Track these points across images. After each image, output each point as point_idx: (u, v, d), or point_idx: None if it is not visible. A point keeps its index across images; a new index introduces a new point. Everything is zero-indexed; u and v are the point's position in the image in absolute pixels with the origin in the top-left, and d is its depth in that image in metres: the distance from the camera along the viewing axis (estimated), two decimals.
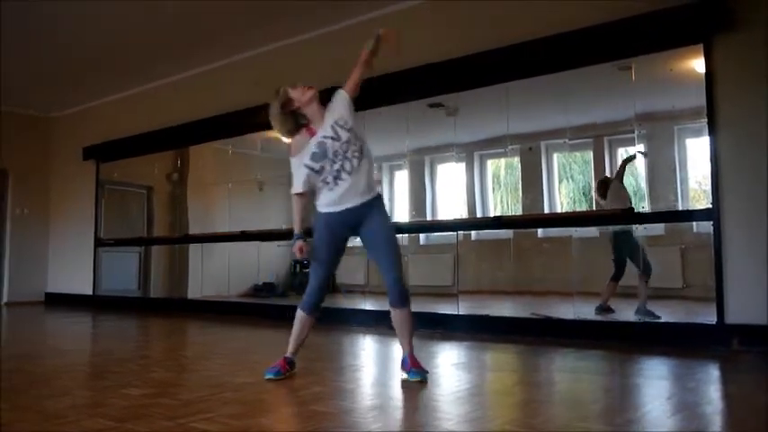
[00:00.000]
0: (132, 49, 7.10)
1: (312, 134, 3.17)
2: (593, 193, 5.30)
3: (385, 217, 3.22)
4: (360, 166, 3.10)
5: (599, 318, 4.84)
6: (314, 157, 3.11)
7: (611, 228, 5.00)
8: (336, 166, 3.09)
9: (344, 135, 3.11)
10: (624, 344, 4.36)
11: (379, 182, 3.24)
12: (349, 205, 3.12)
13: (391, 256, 3.11)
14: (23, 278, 9.56)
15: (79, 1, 5.77)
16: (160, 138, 8.05)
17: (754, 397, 2.93)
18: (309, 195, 3.25)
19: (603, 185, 5.16)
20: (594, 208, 5.38)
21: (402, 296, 3.11)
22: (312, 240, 3.21)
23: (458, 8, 5.48)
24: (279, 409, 2.75)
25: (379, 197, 3.19)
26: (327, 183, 3.12)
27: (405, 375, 3.14)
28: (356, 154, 3.11)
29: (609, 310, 4.84)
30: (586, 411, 2.61)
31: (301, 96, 3.21)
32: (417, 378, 3.05)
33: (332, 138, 3.11)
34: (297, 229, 3.19)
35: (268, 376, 3.14)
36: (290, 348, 3.27)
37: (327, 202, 3.16)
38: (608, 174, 5.30)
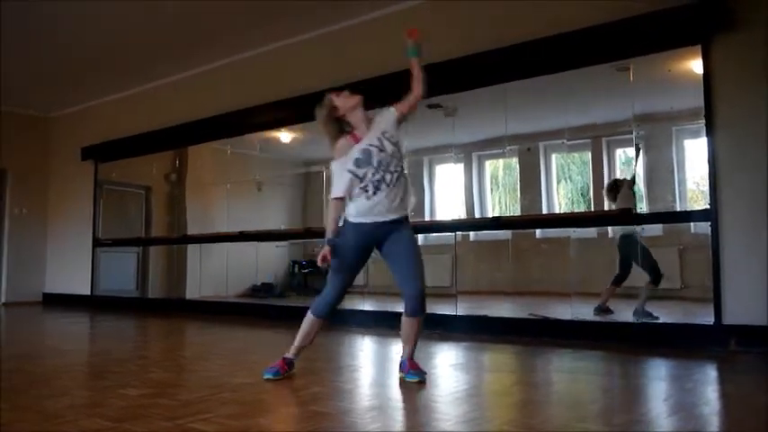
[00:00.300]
0: (131, 50, 7.10)
1: (356, 140, 3.14)
2: (605, 195, 5.25)
3: (412, 233, 3.21)
4: (398, 182, 3.11)
5: (597, 318, 4.85)
6: (358, 162, 3.10)
7: (619, 231, 4.99)
8: (378, 176, 3.08)
9: (390, 148, 3.11)
10: (622, 344, 4.36)
11: (413, 203, 3.23)
12: (379, 219, 3.11)
13: (417, 268, 3.11)
14: (21, 278, 9.55)
15: (79, 1, 5.76)
16: (159, 138, 8.05)
17: (752, 397, 2.93)
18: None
19: (614, 188, 5.10)
20: (593, 209, 5.39)
21: (423, 307, 3.11)
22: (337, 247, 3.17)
23: (457, 8, 5.48)
24: (277, 409, 2.75)
25: (407, 218, 3.19)
26: (366, 191, 3.10)
27: (401, 375, 3.14)
28: (398, 169, 3.11)
29: (607, 311, 4.84)
30: (584, 412, 2.62)
31: (345, 103, 3.18)
32: (415, 379, 3.06)
33: (378, 147, 3.09)
34: (329, 234, 3.15)
35: (266, 376, 3.15)
36: (292, 349, 3.26)
37: (359, 212, 3.13)
38: (606, 175, 5.31)
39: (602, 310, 4.87)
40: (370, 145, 3.10)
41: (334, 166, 3.17)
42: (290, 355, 3.25)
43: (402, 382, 3.11)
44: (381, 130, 3.14)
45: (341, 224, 3.21)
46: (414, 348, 3.18)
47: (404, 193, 3.15)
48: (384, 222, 3.12)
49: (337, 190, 3.14)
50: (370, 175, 3.08)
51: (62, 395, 2.84)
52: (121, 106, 8.84)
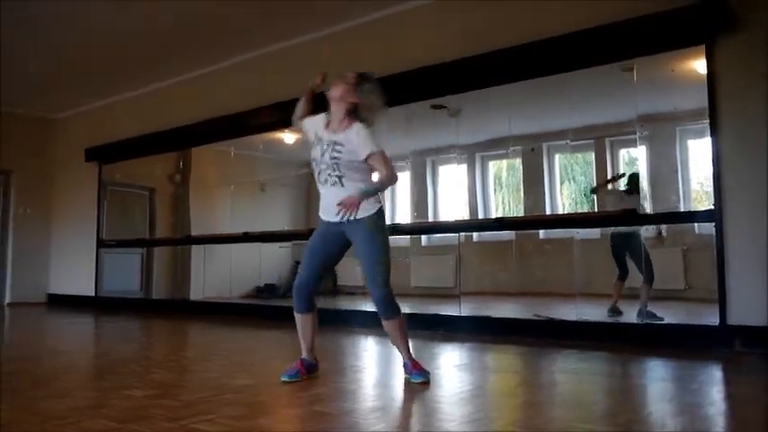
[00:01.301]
0: (135, 51, 7.11)
1: (326, 125, 3.17)
2: (611, 186, 5.22)
3: (368, 235, 3.07)
4: (340, 188, 3.07)
5: (601, 319, 4.84)
6: (314, 141, 3.18)
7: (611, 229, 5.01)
8: (319, 169, 3.13)
9: (327, 157, 3.07)
10: (626, 345, 4.35)
11: (379, 201, 3.16)
12: (328, 217, 3.15)
13: (372, 270, 3.05)
14: (26, 279, 9.57)
15: (82, 2, 5.78)
16: (162, 139, 8.06)
17: (757, 398, 2.92)
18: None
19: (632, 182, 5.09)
20: (597, 209, 5.38)
21: (389, 308, 3.08)
22: None
23: (460, 9, 5.48)
24: (280, 410, 2.74)
25: (361, 219, 3.07)
26: (319, 175, 3.16)
27: (407, 377, 3.14)
28: (336, 179, 3.08)
29: (617, 312, 4.82)
30: (589, 413, 2.61)
31: (334, 92, 3.15)
32: (420, 379, 3.05)
33: (325, 148, 3.10)
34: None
35: (284, 378, 3.11)
36: (304, 351, 3.24)
37: (321, 204, 3.20)
38: (609, 175, 5.30)
39: (614, 310, 4.85)
40: (320, 138, 3.13)
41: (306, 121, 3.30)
42: (304, 356, 3.23)
43: (407, 383, 3.10)
44: (339, 139, 3.08)
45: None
46: (407, 348, 3.16)
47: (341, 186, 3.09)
48: (332, 223, 3.13)
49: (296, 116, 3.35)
50: (319, 169, 3.13)
51: (65, 396, 2.84)
52: (125, 108, 8.85)
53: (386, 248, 3.10)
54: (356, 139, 3.04)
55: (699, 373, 3.51)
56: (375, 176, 3.12)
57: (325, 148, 3.09)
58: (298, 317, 3.24)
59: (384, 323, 3.14)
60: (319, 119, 3.22)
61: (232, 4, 5.82)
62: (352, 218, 3.03)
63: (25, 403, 2.70)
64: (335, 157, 3.06)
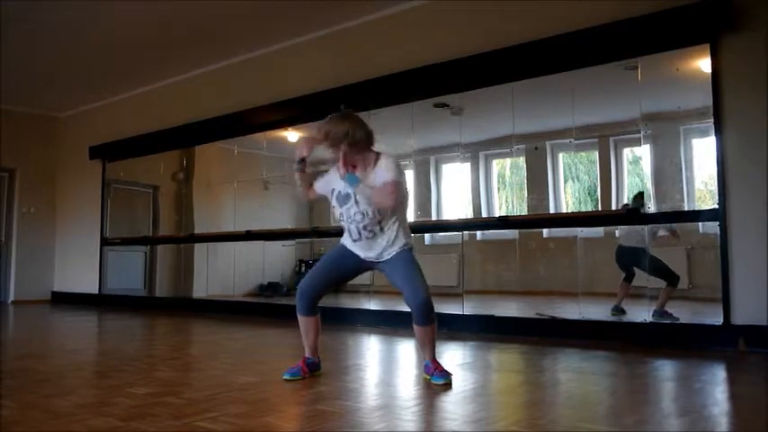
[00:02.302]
0: (138, 50, 7.12)
1: (345, 166, 3.09)
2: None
3: (407, 258, 3.10)
4: (368, 241, 3.10)
5: (604, 318, 4.83)
6: (337, 198, 3.17)
7: (620, 241, 5.00)
8: (349, 224, 3.13)
9: (364, 207, 3.06)
10: (630, 344, 4.35)
11: (401, 247, 3.16)
12: (361, 255, 3.16)
13: (416, 281, 3.03)
14: (30, 277, 9.61)
15: (87, 2, 5.79)
16: (166, 137, 8.08)
17: (761, 398, 2.92)
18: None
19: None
20: (601, 208, 5.37)
21: (429, 316, 3.05)
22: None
23: (463, 8, 5.48)
24: (284, 408, 2.75)
25: (398, 253, 3.10)
26: (348, 230, 3.16)
27: (427, 377, 3.12)
28: (370, 228, 3.08)
29: (621, 311, 4.81)
30: (592, 412, 2.61)
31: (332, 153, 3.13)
32: (441, 381, 3.02)
33: (354, 200, 3.08)
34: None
35: (286, 377, 3.12)
36: (306, 350, 3.27)
37: (344, 233, 3.21)
38: (614, 174, 5.29)
39: (618, 310, 4.85)
40: (351, 192, 3.08)
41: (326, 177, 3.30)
42: (307, 355, 3.25)
43: (410, 382, 3.10)
44: (373, 180, 3.03)
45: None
46: (433, 350, 3.15)
47: (380, 246, 3.11)
48: (367, 259, 3.16)
49: (305, 194, 3.35)
50: (339, 212, 3.15)
51: (70, 394, 2.85)
52: (129, 106, 8.87)
53: (421, 272, 3.10)
54: (384, 174, 3.00)
55: (702, 372, 3.50)
56: (405, 212, 3.25)
57: (357, 200, 3.07)
58: (301, 318, 3.26)
59: (420, 329, 3.09)
60: (332, 174, 3.21)
61: (235, 4, 5.83)
62: (389, 257, 3.09)
63: (31, 401, 2.71)
64: (375, 214, 3.06)
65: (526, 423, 2.38)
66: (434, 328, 3.12)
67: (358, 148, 3.06)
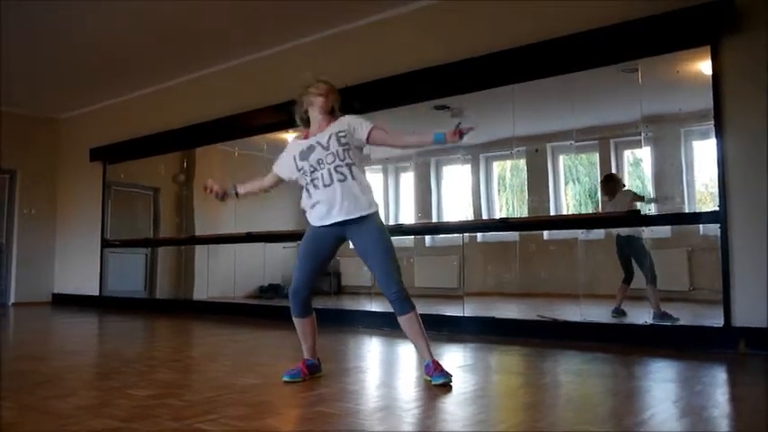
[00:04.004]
0: (139, 52, 7.13)
1: (305, 137, 3.25)
2: (600, 188, 5.25)
3: (377, 230, 3.10)
4: (343, 182, 3.08)
5: (605, 320, 4.83)
6: (300, 156, 3.18)
7: (615, 231, 5.00)
8: (315, 174, 3.12)
9: (334, 147, 3.10)
10: (631, 346, 4.34)
11: (371, 203, 3.17)
12: (326, 222, 3.12)
13: (386, 266, 3.06)
14: (30, 279, 9.61)
15: (88, 3, 5.80)
16: (167, 139, 8.08)
17: (762, 400, 2.92)
18: (281, 183, 3.46)
19: (610, 182, 5.12)
20: (601, 210, 5.37)
21: (405, 305, 3.08)
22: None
23: (464, 10, 5.48)
24: (284, 410, 2.75)
25: (370, 215, 3.11)
26: (307, 189, 3.19)
27: (428, 378, 3.11)
28: (341, 169, 3.08)
29: (622, 313, 4.81)
30: (592, 414, 2.61)
31: (308, 100, 3.25)
32: (441, 381, 3.01)
33: (322, 146, 3.12)
34: (241, 185, 3.50)
35: (285, 378, 3.12)
36: (305, 352, 3.27)
37: (310, 212, 3.19)
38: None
39: (618, 312, 4.85)
40: (317, 142, 3.14)
41: (287, 148, 3.34)
42: (305, 356, 3.25)
43: (410, 384, 3.09)
44: (337, 130, 3.15)
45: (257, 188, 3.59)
46: (427, 346, 3.14)
47: (352, 194, 3.08)
48: (333, 224, 3.12)
49: (275, 165, 3.41)
50: (308, 172, 3.14)
51: (71, 395, 2.85)
52: (130, 108, 8.88)
53: (392, 245, 3.12)
54: (353, 123, 3.18)
55: (703, 374, 3.50)
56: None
57: (325, 146, 3.11)
58: (296, 321, 3.26)
59: (401, 319, 3.11)
60: (290, 149, 3.29)
61: (236, 6, 5.84)
62: (357, 215, 3.06)
63: (31, 402, 2.71)
64: (344, 144, 3.10)
65: (527, 425, 2.38)
66: (417, 315, 3.11)
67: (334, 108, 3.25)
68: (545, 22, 4.93)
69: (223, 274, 7.92)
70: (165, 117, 8.09)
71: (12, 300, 9.44)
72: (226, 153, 7.89)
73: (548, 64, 4.98)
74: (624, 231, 4.94)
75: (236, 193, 3.41)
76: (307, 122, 3.30)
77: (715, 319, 4.15)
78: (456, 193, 6.14)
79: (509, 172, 6.15)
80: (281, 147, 7.43)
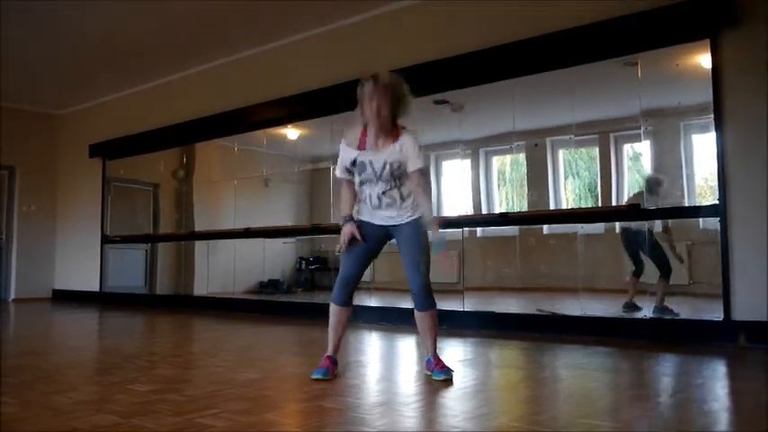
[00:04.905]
0: (138, 47, 7.12)
1: (362, 144, 3.12)
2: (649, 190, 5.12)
3: (416, 229, 3.12)
4: (391, 192, 3.10)
5: (604, 314, 4.83)
6: (354, 165, 3.14)
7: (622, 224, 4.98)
8: (370, 188, 3.12)
9: (387, 177, 3.08)
10: (630, 340, 4.35)
11: (422, 208, 3.19)
12: (376, 222, 3.15)
13: (418, 264, 3.08)
14: (31, 275, 9.62)
15: (86, 0, 5.78)
16: (166, 135, 8.08)
17: (762, 393, 2.92)
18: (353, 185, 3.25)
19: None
20: (601, 204, 5.37)
21: (428, 302, 3.10)
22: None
23: (463, 4, 5.47)
24: (285, 405, 2.75)
25: (415, 220, 3.13)
26: (362, 194, 3.17)
27: (428, 373, 3.12)
28: (391, 182, 3.09)
29: (634, 307, 4.77)
30: (592, 408, 2.61)
31: (365, 109, 3.07)
32: (442, 377, 3.02)
33: (376, 166, 3.08)
34: (344, 211, 3.16)
35: (315, 376, 3.06)
36: (330, 347, 3.20)
37: (363, 208, 3.19)
38: (614, 170, 5.29)
39: (630, 306, 4.81)
40: (369, 162, 3.09)
41: (341, 144, 3.21)
42: (331, 352, 3.19)
43: (410, 379, 3.09)
44: (392, 159, 3.07)
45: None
46: (434, 343, 3.15)
47: (396, 208, 3.11)
48: (382, 225, 3.15)
49: (338, 170, 3.23)
50: (366, 183, 3.13)
51: (72, 391, 2.85)
52: (129, 103, 8.87)
53: (428, 247, 3.12)
54: (409, 152, 3.07)
55: (703, 368, 3.51)
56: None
57: (378, 174, 3.08)
58: (336, 309, 3.19)
59: (420, 315, 3.12)
60: (351, 139, 3.15)
61: (235, 1, 5.82)
62: (407, 220, 3.11)
63: (32, 398, 2.72)
64: (397, 175, 3.08)
65: (527, 419, 2.38)
66: (434, 315, 3.13)
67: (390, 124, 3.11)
68: (545, 16, 4.92)
69: (223, 269, 7.92)
70: (165, 113, 8.08)
71: (12, 296, 9.45)
72: (225, 148, 7.88)
73: (547, 58, 4.97)
74: (634, 226, 4.89)
75: (352, 218, 3.25)
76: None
77: (715, 313, 4.15)
78: (456, 188, 6.13)
79: (509, 166, 6.14)
80: (280, 142, 7.49)
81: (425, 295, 3.09)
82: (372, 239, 3.18)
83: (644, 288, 4.77)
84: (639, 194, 4.90)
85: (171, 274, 8.75)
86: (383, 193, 3.10)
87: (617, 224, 5.07)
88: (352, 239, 3.13)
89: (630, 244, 4.94)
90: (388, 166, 3.07)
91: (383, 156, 3.08)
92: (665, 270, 4.68)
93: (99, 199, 9.19)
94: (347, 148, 3.16)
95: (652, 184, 4.81)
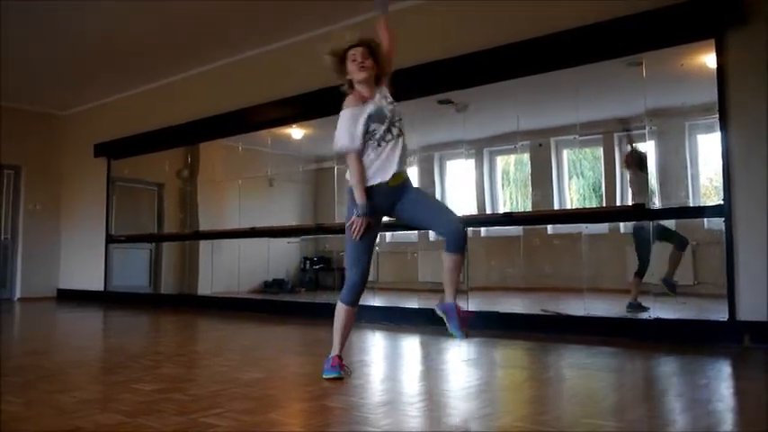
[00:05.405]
0: (143, 47, 7.13)
1: (364, 99, 3.10)
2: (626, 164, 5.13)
3: (422, 192, 3.23)
4: (400, 138, 3.11)
5: (608, 314, 4.82)
6: (371, 118, 3.05)
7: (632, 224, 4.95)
8: (386, 130, 3.06)
9: (390, 108, 3.11)
10: (635, 340, 4.34)
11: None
12: (388, 175, 3.04)
13: (443, 206, 3.18)
14: (36, 274, 9.65)
15: (90, 1, 5.80)
16: (171, 135, 8.10)
17: (766, 394, 2.91)
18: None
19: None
20: (605, 204, 5.36)
21: (459, 242, 3.03)
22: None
23: (467, 4, 5.46)
24: (289, 404, 2.76)
25: (410, 182, 3.17)
26: (378, 145, 3.05)
27: (441, 315, 3.07)
28: (400, 125, 3.12)
29: (639, 307, 4.75)
30: (597, 408, 2.61)
31: (355, 73, 3.12)
32: (455, 334, 3.00)
33: (386, 105, 3.10)
34: (360, 196, 3.01)
35: (330, 375, 3.05)
36: (337, 345, 3.15)
37: (374, 171, 3.05)
38: (618, 170, 5.27)
39: (634, 306, 4.79)
40: (381, 105, 3.09)
41: (345, 113, 3.07)
42: (338, 352, 3.15)
43: (413, 379, 3.07)
44: (384, 95, 3.15)
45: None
46: (455, 290, 3.12)
47: (404, 150, 3.12)
48: (392, 187, 3.05)
49: (352, 139, 3.02)
50: (381, 131, 3.05)
51: (76, 390, 2.86)
52: (134, 103, 8.89)
53: None
54: (386, 92, 3.17)
55: (708, 368, 3.50)
56: None
57: (386, 105, 3.10)
58: (347, 311, 3.13)
59: (450, 258, 3.04)
60: (355, 100, 3.10)
61: (239, 1, 5.83)
62: (405, 179, 3.11)
63: (37, 397, 2.73)
64: (399, 114, 3.12)
65: (531, 419, 2.38)
66: (463, 260, 3.12)
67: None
68: (549, 16, 4.92)
69: (227, 269, 7.93)
70: (169, 112, 8.10)
71: (17, 295, 9.48)
72: (230, 148, 7.89)
73: (552, 58, 4.96)
74: (646, 226, 4.87)
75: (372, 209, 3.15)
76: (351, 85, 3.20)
77: (719, 314, 4.14)
78: (460, 188, 6.13)
79: (513, 166, 6.13)
80: (285, 142, 7.50)
81: (463, 237, 3.04)
82: (377, 225, 3.13)
83: (646, 289, 4.76)
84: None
85: (175, 273, 8.76)
86: (397, 137, 3.08)
87: (629, 224, 5.05)
88: (366, 228, 3.04)
89: (644, 243, 4.89)
90: (391, 111, 3.10)
91: (383, 102, 3.11)
92: (680, 241, 4.65)
93: (104, 198, 9.22)
94: (356, 108, 3.07)
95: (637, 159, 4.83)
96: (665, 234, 4.73)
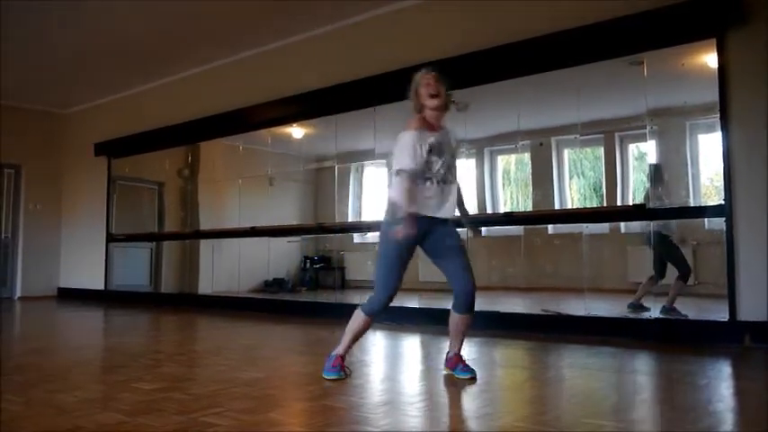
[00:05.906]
0: (143, 47, 7.13)
1: (431, 128, 3.10)
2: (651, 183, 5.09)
3: (456, 232, 3.20)
4: (453, 185, 3.14)
5: (609, 314, 4.82)
6: (431, 148, 3.05)
7: (656, 230, 4.92)
8: (442, 171, 3.09)
9: (449, 157, 3.14)
10: (635, 340, 4.34)
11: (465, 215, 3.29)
12: (429, 214, 3.07)
13: (466, 266, 3.11)
14: (36, 273, 9.65)
15: (90, 0, 5.80)
16: (171, 134, 8.09)
17: (766, 394, 2.91)
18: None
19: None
20: (606, 204, 5.36)
21: (471, 305, 3.08)
22: (387, 246, 3.08)
23: (468, 4, 5.46)
24: (289, 404, 2.76)
25: (454, 224, 3.19)
26: (429, 180, 3.06)
27: (449, 372, 3.11)
28: (454, 175, 3.16)
29: (641, 307, 4.74)
30: (597, 408, 2.61)
31: (427, 101, 3.11)
32: (467, 375, 3.03)
33: (447, 146, 3.13)
34: (408, 206, 2.96)
35: (330, 376, 3.05)
36: (344, 347, 3.14)
37: (423, 202, 3.07)
38: (619, 170, 5.28)
39: (635, 306, 4.78)
40: (443, 141, 3.10)
41: (407, 137, 3.04)
42: (343, 352, 3.15)
43: (413, 378, 3.08)
44: (449, 141, 3.16)
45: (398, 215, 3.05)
46: (462, 343, 3.15)
47: (454, 198, 3.15)
48: (433, 218, 3.08)
49: (414, 161, 3.00)
50: (437, 166, 3.06)
51: (77, 389, 2.86)
52: (134, 102, 8.89)
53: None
54: (452, 136, 3.20)
55: (708, 368, 3.50)
56: None
57: (446, 146, 3.12)
58: (367, 320, 3.14)
59: (461, 318, 3.09)
60: (420, 125, 3.09)
61: (239, 0, 5.83)
62: (449, 216, 3.16)
63: (38, 396, 2.73)
64: (452, 158, 3.15)
65: (531, 419, 2.38)
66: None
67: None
68: (550, 16, 4.91)
69: (228, 268, 7.94)
70: (170, 111, 8.10)
71: (18, 294, 9.48)
72: (230, 147, 7.89)
73: (553, 57, 4.95)
74: (657, 228, 4.84)
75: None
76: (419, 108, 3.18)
77: (720, 314, 4.14)
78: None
79: (514, 166, 6.14)
80: (285, 141, 7.50)
81: (473, 299, 3.07)
82: (410, 254, 3.14)
83: (653, 290, 4.76)
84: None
85: (176, 272, 8.77)
86: (446, 174, 3.10)
87: (622, 224, 5.06)
88: (402, 253, 3.07)
89: (673, 249, 4.84)
90: (451, 152, 3.13)
91: (447, 138, 3.14)
92: (683, 270, 4.64)
93: (104, 197, 9.22)
94: (421, 133, 3.04)
95: (656, 173, 4.78)
96: (674, 257, 4.69)
